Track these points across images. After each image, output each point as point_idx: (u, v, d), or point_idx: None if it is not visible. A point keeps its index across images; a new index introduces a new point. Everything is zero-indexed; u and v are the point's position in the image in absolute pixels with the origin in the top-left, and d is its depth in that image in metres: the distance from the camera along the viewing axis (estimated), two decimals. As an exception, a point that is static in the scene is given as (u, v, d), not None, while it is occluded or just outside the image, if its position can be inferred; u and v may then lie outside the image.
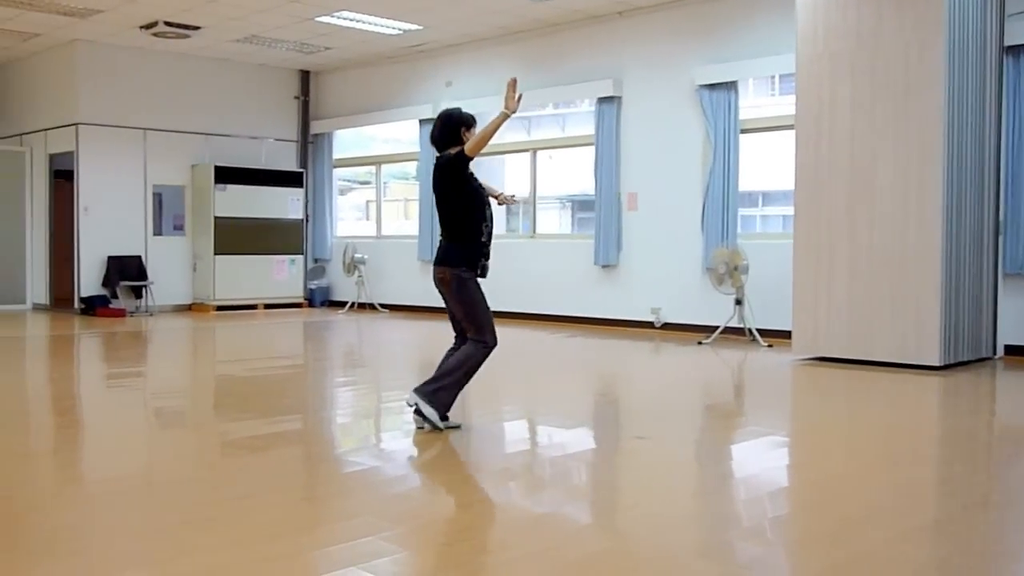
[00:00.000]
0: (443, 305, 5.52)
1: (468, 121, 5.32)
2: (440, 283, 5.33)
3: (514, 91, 5.04)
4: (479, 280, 5.40)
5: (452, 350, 5.48)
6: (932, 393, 6.95)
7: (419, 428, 5.29)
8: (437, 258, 5.36)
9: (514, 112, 5.05)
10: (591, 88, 11.49)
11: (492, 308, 5.49)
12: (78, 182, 13.10)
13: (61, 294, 13.83)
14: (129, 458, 4.89)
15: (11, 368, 8.53)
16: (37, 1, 10.77)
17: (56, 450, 5.22)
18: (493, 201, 5.54)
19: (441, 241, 5.40)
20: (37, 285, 14.09)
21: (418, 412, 5.25)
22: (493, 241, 5.45)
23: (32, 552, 3.32)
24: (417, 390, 5.23)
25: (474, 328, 5.31)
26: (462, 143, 5.21)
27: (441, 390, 5.23)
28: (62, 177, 13.74)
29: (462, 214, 5.25)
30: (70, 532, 3.57)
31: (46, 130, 13.60)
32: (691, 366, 8.40)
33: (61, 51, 13.19)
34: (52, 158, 13.74)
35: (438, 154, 5.34)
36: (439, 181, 5.26)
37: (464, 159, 5.14)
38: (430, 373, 5.41)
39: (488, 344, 5.31)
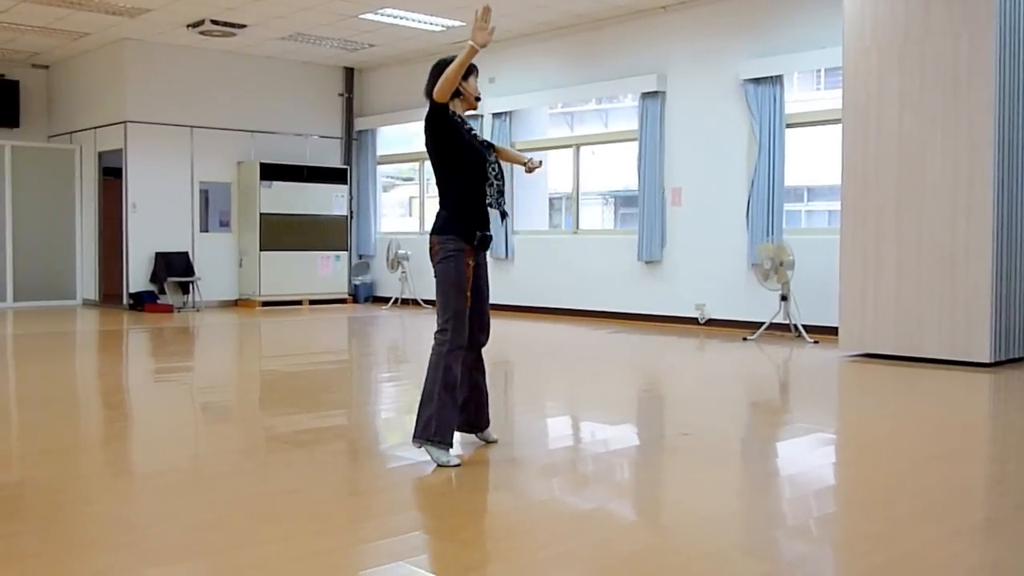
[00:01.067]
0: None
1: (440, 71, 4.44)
2: (430, 255, 4.59)
3: (486, 21, 4.25)
4: (482, 253, 4.67)
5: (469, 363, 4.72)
6: (982, 390, 6.85)
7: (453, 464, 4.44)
8: (431, 227, 4.62)
9: (484, 45, 4.25)
10: (634, 83, 11.45)
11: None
12: (126, 179, 13.29)
13: (110, 290, 14.05)
14: (178, 452, 4.96)
15: (62, 363, 8.69)
16: (87, 1, 10.94)
17: (106, 443, 5.30)
18: (514, 168, 4.91)
19: (438, 209, 4.65)
20: (87, 281, 14.33)
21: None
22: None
23: (87, 544, 3.38)
24: (415, 439, 4.47)
25: (441, 315, 4.49)
26: (460, 95, 4.51)
27: (429, 424, 4.41)
28: (111, 175, 13.96)
29: (451, 174, 4.53)
30: (123, 524, 3.63)
31: (95, 128, 13.81)
32: (736, 362, 8.35)
33: (110, 50, 13.39)
34: (101, 156, 13.96)
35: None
36: (426, 140, 4.52)
37: (437, 109, 4.38)
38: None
39: (448, 336, 4.44)
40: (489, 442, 4.82)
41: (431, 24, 12.01)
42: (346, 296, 14.83)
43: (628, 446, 5.18)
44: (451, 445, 4.48)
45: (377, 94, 15.02)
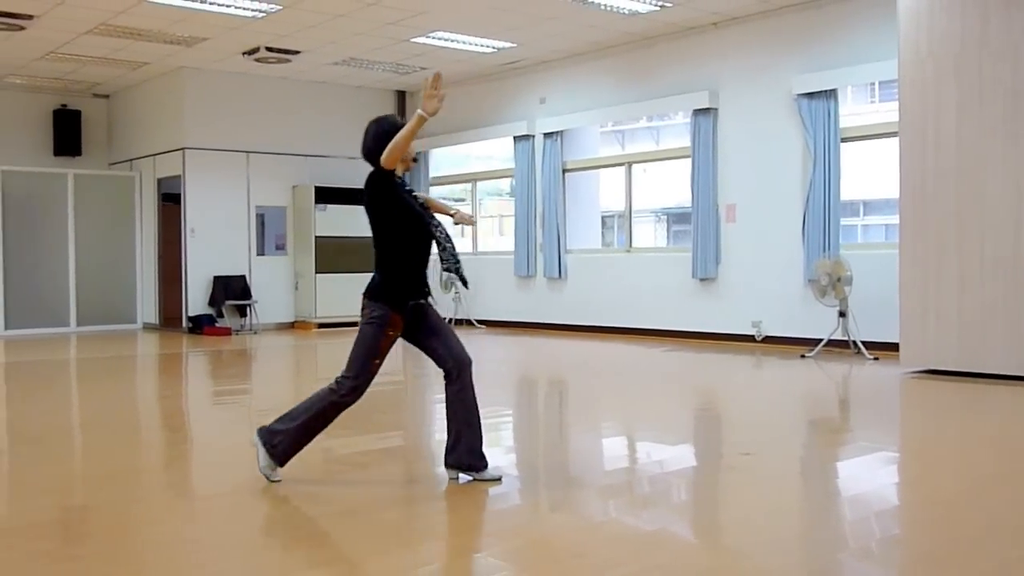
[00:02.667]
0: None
1: (384, 127, 4.39)
2: (361, 312, 4.45)
3: (436, 88, 4.10)
4: (425, 301, 4.50)
5: (446, 393, 4.63)
6: (1050, 407, 6.68)
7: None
8: (367, 287, 4.45)
9: (434, 114, 4.11)
10: (686, 100, 11.41)
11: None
12: (185, 205, 13.53)
13: (170, 313, 14.28)
14: (238, 473, 5.01)
15: (124, 386, 8.84)
16: (146, 32, 11.19)
17: (168, 466, 5.38)
18: (448, 220, 4.70)
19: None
20: (147, 305, 14.59)
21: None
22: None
23: (153, 566, 3.42)
24: (259, 432, 4.50)
25: (349, 367, 4.40)
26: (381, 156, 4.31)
27: (285, 436, 4.42)
28: (170, 200, 14.23)
29: (392, 238, 4.38)
30: (188, 546, 3.67)
31: (154, 155, 14.09)
32: (794, 380, 8.24)
33: (168, 79, 13.66)
34: (160, 182, 14.23)
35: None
36: (366, 202, 4.39)
37: (383, 175, 4.28)
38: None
39: (344, 392, 4.37)
40: (492, 480, 4.51)
41: (482, 46, 12.09)
42: (400, 317, 14.90)
43: (687, 466, 5.14)
44: (282, 466, 4.47)
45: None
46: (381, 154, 4.23)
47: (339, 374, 4.42)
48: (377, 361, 4.40)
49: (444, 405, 4.55)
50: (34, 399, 7.89)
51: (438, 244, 4.44)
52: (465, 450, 4.50)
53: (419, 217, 4.39)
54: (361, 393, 4.43)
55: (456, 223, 4.72)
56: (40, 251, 13.80)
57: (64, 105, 14.92)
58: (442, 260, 4.50)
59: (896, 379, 7.95)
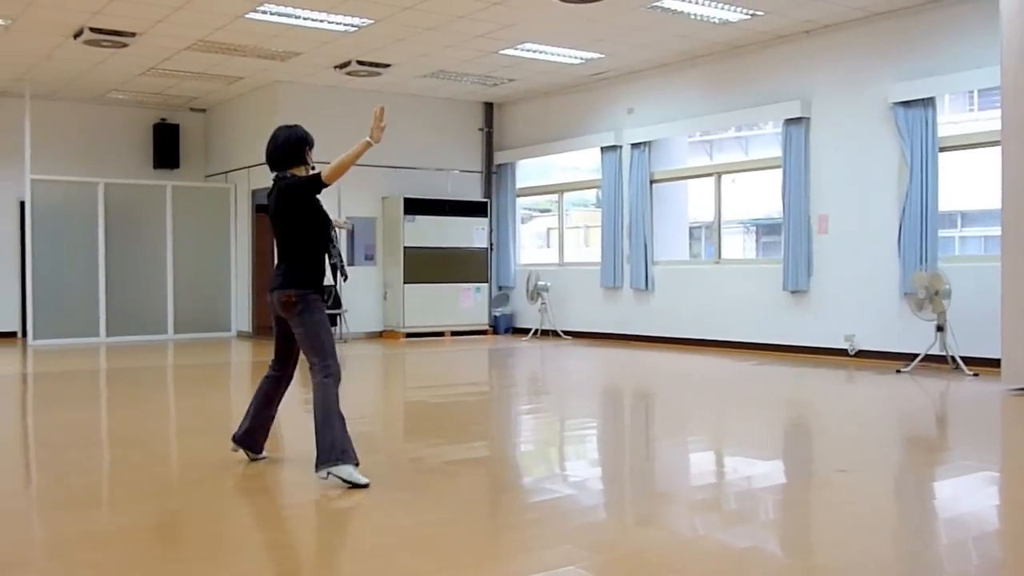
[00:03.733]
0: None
1: (311, 140, 5.08)
2: (284, 307, 4.88)
3: (380, 120, 4.80)
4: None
5: (266, 379, 5.20)
6: None
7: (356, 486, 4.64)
8: (279, 283, 4.90)
9: (377, 141, 4.79)
10: (777, 110, 11.25)
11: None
12: (278, 216, 13.81)
13: (263, 322, 14.58)
14: (329, 481, 5.09)
15: (219, 393, 9.06)
16: (243, 47, 11.49)
17: (260, 472, 5.48)
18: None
19: (281, 265, 4.98)
20: (241, 314, 14.94)
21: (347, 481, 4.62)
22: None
23: (254, 572, 3.49)
24: (319, 466, 4.65)
25: (318, 355, 4.80)
26: (305, 163, 5.01)
27: (334, 446, 4.63)
28: (264, 211, 14.52)
29: (310, 237, 4.94)
30: (285, 552, 3.75)
31: (248, 167, 14.43)
32: (890, 395, 8.05)
33: (262, 93, 14.00)
34: (254, 193, 14.57)
35: (277, 174, 5.01)
36: (285, 203, 4.92)
37: (320, 185, 4.82)
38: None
39: (332, 370, 4.77)
40: (256, 459, 5.24)
41: (570, 57, 12.11)
42: (486, 327, 15.00)
43: (779, 483, 5.05)
44: (358, 462, 4.65)
45: (516, 128, 15.21)
46: (286, 158, 4.98)
47: (316, 365, 4.80)
48: (330, 328, 4.97)
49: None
50: (135, 404, 8.14)
51: (331, 242, 5.04)
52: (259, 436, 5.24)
53: (327, 219, 5.04)
54: (338, 362, 4.84)
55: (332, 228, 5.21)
56: (140, 261, 14.25)
57: (163, 119, 15.41)
58: (330, 256, 5.06)
59: (997, 396, 7.70)
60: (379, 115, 4.80)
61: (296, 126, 5.08)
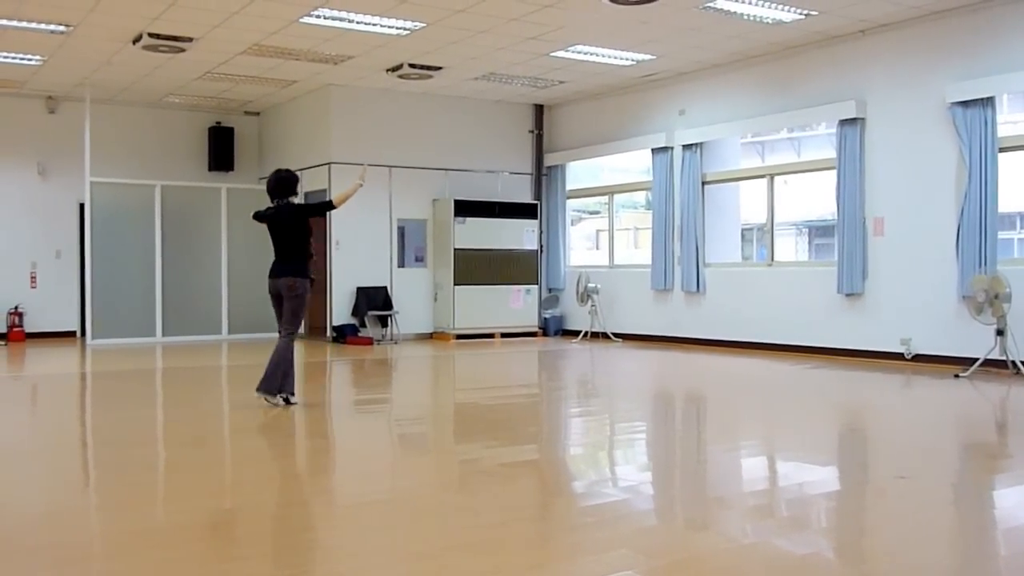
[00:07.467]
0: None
1: (299, 181, 7.64)
2: (288, 289, 7.20)
3: (361, 179, 7.50)
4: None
5: (281, 340, 7.35)
6: None
7: (277, 404, 7.27)
8: (286, 271, 7.23)
9: (362, 186, 7.50)
10: (831, 111, 11.13)
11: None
12: (330, 218, 13.94)
13: (315, 323, 14.72)
14: (385, 482, 5.14)
15: (274, 393, 9.15)
16: (297, 51, 11.61)
17: (315, 472, 5.55)
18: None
19: (285, 259, 7.26)
20: (293, 314, 15.05)
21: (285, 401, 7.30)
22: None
23: (315, 571, 3.53)
24: (259, 390, 7.25)
25: (294, 326, 7.33)
26: (295, 194, 7.45)
27: (286, 379, 7.27)
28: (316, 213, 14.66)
29: (308, 242, 7.33)
30: (343, 552, 3.78)
31: (302, 169, 14.54)
32: (948, 401, 7.92)
33: (315, 96, 14.14)
34: (307, 195, 14.68)
35: (278, 200, 7.32)
36: (299, 218, 7.31)
37: (330, 208, 7.65)
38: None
39: (294, 335, 7.37)
40: (290, 404, 7.35)
41: (621, 59, 12.07)
42: (536, 329, 15.00)
43: (836, 488, 5.00)
44: (280, 391, 7.31)
45: (566, 130, 15.21)
46: (286, 190, 7.37)
47: (289, 329, 7.31)
48: (304, 311, 7.44)
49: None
50: (192, 403, 8.27)
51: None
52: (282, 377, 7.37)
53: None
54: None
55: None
56: (195, 262, 14.46)
57: (218, 123, 15.63)
58: (312, 255, 7.49)
59: (1060, 402, 7.55)
60: (362, 175, 7.56)
61: (284, 171, 7.51)
